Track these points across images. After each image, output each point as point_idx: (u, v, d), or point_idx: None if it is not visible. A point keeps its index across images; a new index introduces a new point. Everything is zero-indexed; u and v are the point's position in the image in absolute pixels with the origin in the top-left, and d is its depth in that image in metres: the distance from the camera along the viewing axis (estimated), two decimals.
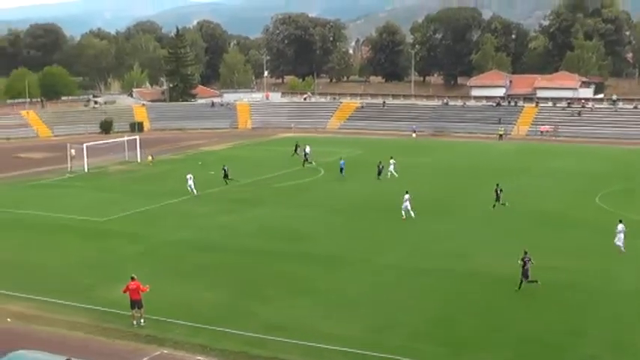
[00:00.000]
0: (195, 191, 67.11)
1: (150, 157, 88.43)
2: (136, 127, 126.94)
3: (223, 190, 70.15)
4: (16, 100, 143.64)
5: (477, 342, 32.42)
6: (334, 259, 45.47)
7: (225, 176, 72.78)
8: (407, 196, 56.63)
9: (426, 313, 35.96)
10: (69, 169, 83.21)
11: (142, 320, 34.42)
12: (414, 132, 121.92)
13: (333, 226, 54.92)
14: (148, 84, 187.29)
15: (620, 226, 46.16)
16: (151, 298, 36.73)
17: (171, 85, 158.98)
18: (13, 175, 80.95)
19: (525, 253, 39.17)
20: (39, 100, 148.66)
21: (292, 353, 31.23)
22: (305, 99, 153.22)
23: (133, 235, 52.22)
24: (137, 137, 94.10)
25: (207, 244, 49.64)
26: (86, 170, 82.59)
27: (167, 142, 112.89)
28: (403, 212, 56.11)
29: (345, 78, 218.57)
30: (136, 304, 34.38)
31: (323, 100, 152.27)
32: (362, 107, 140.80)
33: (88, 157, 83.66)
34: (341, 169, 76.96)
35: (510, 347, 31.92)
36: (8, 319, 35.43)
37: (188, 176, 68.31)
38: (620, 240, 45.71)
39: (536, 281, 38.76)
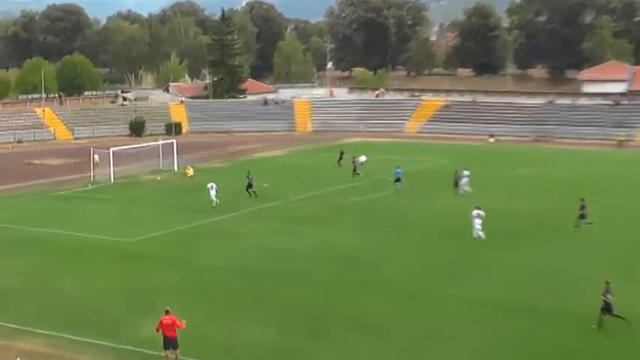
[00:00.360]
0: (216, 201, 69.26)
1: (189, 170, 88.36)
2: (173, 128, 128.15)
3: (275, 206, 70.17)
4: (29, 96, 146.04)
5: None
6: (404, 289, 45.12)
7: (249, 186, 73.66)
8: (476, 212, 56.66)
9: (514, 353, 35.74)
10: (92, 179, 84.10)
11: None
12: (492, 136, 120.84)
13: (404, 249, 54.56)
14: (187, 77, 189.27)
15: None
16: (188, 336, 36.61)
17: (215, 79, 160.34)
18: (24, 186, 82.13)
19: (607, 283, 38.81)
20: (57, 95, 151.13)
21: None
22: (377, 96, 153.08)
23: (168, 259, 52.40)
24: (174, 141, 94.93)
25: (255, 270, 49.52)
26: (112, 180, 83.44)
27: (210, 147, 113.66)
28: (475, 232, 56.25)
29: (427, 71, 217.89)
30: (170, 342, 34.19)
31: (399, 97, 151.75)
32: (447, 106, 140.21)
33: (114, 165, 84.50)
34: (397, 179, 77.17)
35: None
36: (17, 359, 35.63)
37: (209, 185, 69.98)
38: None
39: (623, 318, 38.04)
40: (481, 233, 55.90)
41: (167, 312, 34.51)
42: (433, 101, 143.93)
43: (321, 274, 48.52)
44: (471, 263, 50.95)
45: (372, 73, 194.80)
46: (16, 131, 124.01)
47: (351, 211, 67.74)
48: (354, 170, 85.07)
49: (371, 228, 61.37)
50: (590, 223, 58.26)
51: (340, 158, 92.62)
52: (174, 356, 34.25)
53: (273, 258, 52.58)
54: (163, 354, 34.54)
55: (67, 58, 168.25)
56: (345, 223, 63.20)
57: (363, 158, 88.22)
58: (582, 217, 58.64)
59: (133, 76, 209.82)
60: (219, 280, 47.59)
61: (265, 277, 47.87)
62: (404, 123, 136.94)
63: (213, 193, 69.47)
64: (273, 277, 47.82)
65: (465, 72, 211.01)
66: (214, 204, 68.94)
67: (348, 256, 52.74)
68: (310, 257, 52.56)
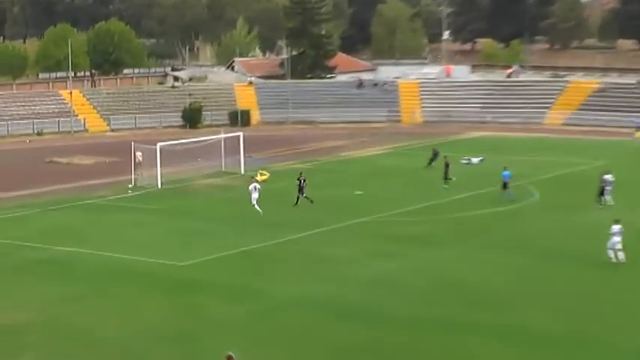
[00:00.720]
0: (258, 209, 71.17)
1: (262, 174, 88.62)
2: (239, 118, 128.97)
3: (370, 221, 70.15)
4: (53, 75, 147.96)
5: None
6: (546, 336, 44.67)
7: (301, 190, 74.96)
8: (616, 228, 56.51)
9: None
10: (133, 184, 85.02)
11: None
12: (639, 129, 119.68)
13: (539, 282, 54.03)
14: (258, 50, 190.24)
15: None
16: None
17: (294, 53, 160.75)
18: (46, 192, 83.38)
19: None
20: (88, 74, 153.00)
21: None
22: (509, 76, 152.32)
23: (233, 290, 52.68)
24: (240, 135, 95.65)
25: (347, 307, 49.44)
26: (159, 186, 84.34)
27: (287, 142, 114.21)
28: (611, 252, 56.14)
29: (576, 42, 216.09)
30: None
31: (538, 78, 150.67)
32: (603, 90, 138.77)
33: (162, 166, 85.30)
34: (504, 185, 77.69)
35: None
36: None
37: (252, 187, 72.03)
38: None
39: None
40: (621, 254, 55.62)
41: (229, 358, 34.79)
42: (584, 83, 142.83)
43: (436, 313, 48.33)
44: (626, 300, 50.46)
45: (502, 45, 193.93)
46: (36, 120, 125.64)
47: (467, 230, 67.38)
48: (445, 176, 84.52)
49: (492, 252, 60.89)
50: None
51: (433, 159, 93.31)
52: None
53: (374, 290, 52.56)
54: None
55: (102, 25, 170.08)
56: (460, 245, 62.89)
57: (475, 160, 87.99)
58: None
59: (187, 49, 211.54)
60: (299, 318, 47.53)
61: (361, 317, 47.72)
62: (544, 112, 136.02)
63: (255, 196, 71.07)
64: (373, 317, 47.65)
65: (626, 44, 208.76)
66: (257, 209, 70.91)
67: (466, 291, 52.44)
68: (421, 291, 52.39)
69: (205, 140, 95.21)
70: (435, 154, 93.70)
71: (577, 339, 44.39)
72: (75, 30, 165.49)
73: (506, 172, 77.82)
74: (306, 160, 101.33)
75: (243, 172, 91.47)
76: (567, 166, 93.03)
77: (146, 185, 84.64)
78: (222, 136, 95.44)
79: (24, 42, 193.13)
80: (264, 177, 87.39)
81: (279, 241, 63.98)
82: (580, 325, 46.27)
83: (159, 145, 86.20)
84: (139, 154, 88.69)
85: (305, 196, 74.61)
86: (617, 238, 55.94)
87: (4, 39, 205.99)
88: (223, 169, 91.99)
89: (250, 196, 71.03)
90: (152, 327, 46.41)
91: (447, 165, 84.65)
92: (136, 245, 62.95)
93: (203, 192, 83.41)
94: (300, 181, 75.05)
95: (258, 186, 71.44)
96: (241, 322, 47.17)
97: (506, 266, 57.49)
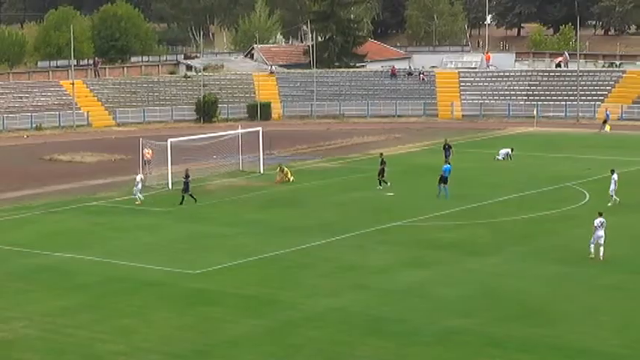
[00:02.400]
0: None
1: (285, 173, 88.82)
2: (259, 111, 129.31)
3: (407, 226, 70.33)
4: (53, 63, 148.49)
5: None
6: (606, 358, 44.59)
7: (381, 173, 77.14)
8: (598, 221, 59.24)
9: None
10: (140, 184, 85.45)
11: None
12: (605, 122, 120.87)
13: (603, 296, 54.08)
14: (280, 37, 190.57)
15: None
16: None
17: (321, 39, 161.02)
18: (45, 192, 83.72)
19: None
20: (91, 62, 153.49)
21: None
22: (559, 65, 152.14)
23: (250, 301, 52.74)
24: (260, 130, 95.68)
25: (381, 321, 49.64)
26: (170, 186, 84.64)
27: (312, 138, 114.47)
28: (592, 247, 58.44)
29: (635, 28, 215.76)
30: None
31: (591, 67, 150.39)
32: None
33: (173, 164, 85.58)
34: (443, 179, 79.66)
35: None
36: None
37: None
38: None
39: None
40: (602, 250, 58.17)
41: None
42: None
43: (484, 330, 48.29)
44: None
45: (551, 31, 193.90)
46: (34, 113, 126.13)
47: (508, 237, 67.61)
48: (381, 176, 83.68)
49: (537, 261, 60.91)
50: None
51: (447, 151, 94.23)
52: None
53: (412, 303, 52.60)
54: None
55: (107, 8, 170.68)
56: (514, 251, 63.11)
57: (504, 151, 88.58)
58: None
59: (202, 34, 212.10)
60: (328, 334, 47.54)
61: (388, 331, 47.96)
62: (597, 106, 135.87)
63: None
64: (400, 331, 47.95)
65: None
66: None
67: (521, 303, 52.47)
68: (465, 304, 52.45)
69: (221, 136, 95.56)
70: (447, 147, 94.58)
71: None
72: (78, 13, 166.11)
73: (446, 167, 79.92)
74: (332, 159, 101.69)
75: (262, 171, 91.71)
76: (623, 165, 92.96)
77: (156, 185, 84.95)
78: (240, 131, 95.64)
79: (21, 27, 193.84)
80: (287, 175, 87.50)
81: (302, 247, 64.17)
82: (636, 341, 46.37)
83: (170, 141, 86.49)
84: (147, 151, 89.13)
85: (384, 180, 75.84)
86: (599, 232, 57.59)
87: None
88: (241, 168, 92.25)
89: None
90: (159, 343, 46.44)
91: (382, 163, 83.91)
92: (143, 252, 63.24)
93: (218, 193, 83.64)
94: (383, 164, 75.84)
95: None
96: (260, 337, 47.21)
97: (553, 276, 57.60)
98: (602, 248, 58.24)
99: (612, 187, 75.66)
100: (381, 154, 76.06)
